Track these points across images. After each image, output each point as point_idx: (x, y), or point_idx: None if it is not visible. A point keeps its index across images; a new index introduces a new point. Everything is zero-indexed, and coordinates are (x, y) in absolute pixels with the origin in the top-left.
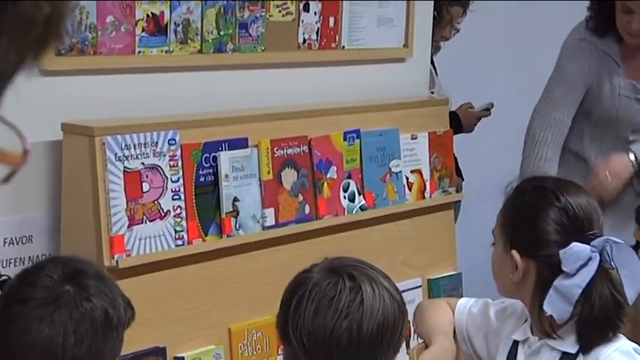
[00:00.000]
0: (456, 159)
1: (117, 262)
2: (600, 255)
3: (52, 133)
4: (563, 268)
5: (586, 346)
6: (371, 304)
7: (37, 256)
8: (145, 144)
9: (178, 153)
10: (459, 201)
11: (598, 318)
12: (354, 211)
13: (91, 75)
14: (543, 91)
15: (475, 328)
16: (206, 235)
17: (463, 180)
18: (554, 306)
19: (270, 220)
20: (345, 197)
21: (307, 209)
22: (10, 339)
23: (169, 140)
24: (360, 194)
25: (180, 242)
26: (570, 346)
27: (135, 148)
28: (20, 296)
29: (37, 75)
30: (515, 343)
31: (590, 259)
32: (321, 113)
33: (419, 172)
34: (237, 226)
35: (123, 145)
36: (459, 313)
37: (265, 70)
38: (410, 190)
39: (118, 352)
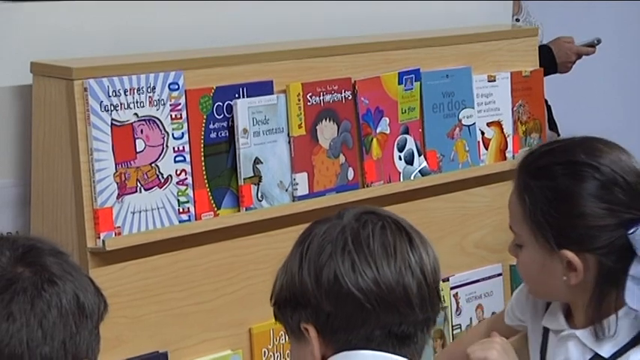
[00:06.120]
0: (549, 108)
1: (103, 242)
2: None
3: (19, 76)
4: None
5: None
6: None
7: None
8: (138, 89)
9: (182, 101)
10: None
11: None
12: (412, 177)
13: (67, 0)
14: None
15: (521, 308)
16: (219, 208)
17: (559, 135)
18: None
19: (303, 189)
20: (400, 158)
21: (351, 174)
22: None
23: (170, 84)
24: (420, 154)
25: (185, 217)
26: (606, 349)
27: (126, 95)
28: None
29: None
30: (547, 331)
31: None
32: (369, 48)
33: (498, 124)
34: (260, 196)
35: (110, 90)
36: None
37: None
38: (486, 148)
39: (96, 349)
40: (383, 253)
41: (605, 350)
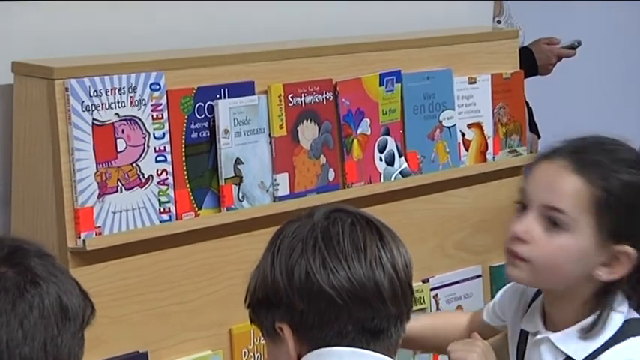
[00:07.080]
0: (529, 110)
1: (84, 242)
2: None
3: (0, 75)
4: None
5: None
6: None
7: None
8: (119, 89)
9: (163, 101)
10: None
11: None
12: (392, 178)
13: (49, 0)
14: None
15: (503, 307)
16: (200, 209)
17: (539, 138)
18: None
19: (284, 189)
20: (381, 159)
21: (331, 175)
22: None
23: (152, 84)
24: (400, 156)
25: (166, 217)
26: (579, 352)
27: (107, 95)
28: None
29: None
30: (525, 334)
31: None
32: (351, 49)
33: (478, 126)
34: (241, 196)
35: (91, 90)
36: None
37: None
38: (467, 150)
39: (80, 353)
40: (353, 250)
41: (578, 353)
